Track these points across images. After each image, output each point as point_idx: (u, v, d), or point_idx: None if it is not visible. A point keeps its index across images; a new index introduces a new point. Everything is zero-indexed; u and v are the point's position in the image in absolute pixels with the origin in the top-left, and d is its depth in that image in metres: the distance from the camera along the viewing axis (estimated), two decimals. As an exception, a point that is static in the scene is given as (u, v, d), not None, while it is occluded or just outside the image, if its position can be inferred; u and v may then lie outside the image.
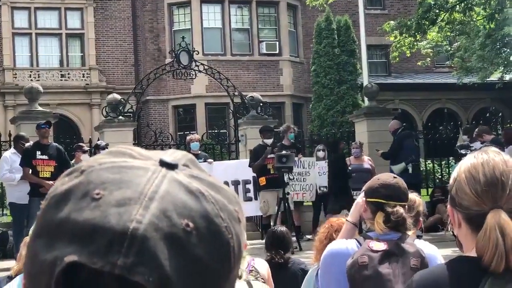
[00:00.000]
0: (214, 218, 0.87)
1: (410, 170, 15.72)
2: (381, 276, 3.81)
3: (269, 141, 15.40)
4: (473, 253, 2.25)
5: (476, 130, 15.97)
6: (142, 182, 0.87)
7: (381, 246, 3.93)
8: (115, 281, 0.81)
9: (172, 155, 0.92)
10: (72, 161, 14.07)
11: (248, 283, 3.75)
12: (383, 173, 4.77)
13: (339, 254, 4.03)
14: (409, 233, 4.14)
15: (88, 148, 14.60)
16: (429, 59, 26.66)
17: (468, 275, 2.23)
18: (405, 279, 3.72)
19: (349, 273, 3.87)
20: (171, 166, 0.90)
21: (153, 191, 0.85)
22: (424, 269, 3.72)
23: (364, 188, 4.25)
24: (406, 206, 4.17)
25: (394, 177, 4.25)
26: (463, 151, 13.94)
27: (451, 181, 2.36)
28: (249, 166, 15.34)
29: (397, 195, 4.09)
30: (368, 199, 4.14)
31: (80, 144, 14.58)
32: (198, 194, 0.88)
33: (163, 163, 0.89)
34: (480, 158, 2.31)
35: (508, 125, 22.08)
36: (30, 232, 0.92)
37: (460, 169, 2.33)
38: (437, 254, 4.03)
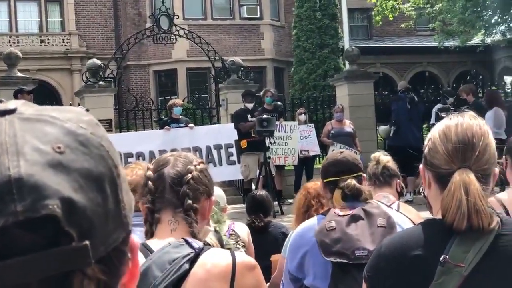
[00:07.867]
0: (76, 130, 0.90)
1: (391, 133, 15.79)
2: (350, 237, 3.84)
3: (250, 105, 15.44)
4: (440, 215, 2.26)
5: (463, 86, 16.09)
6: None
7: (346, 211, 3.98)
8: (25, 230, 0.82)
9: (5, 104, 0.93)
10: None
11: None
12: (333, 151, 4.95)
13: (307, 232, 4.08)
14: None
15: None
16: (412, 21, 26.59)
17: (436, 236, 2.23)
18: (373, 238, 3.77)
19: (318, 238, 3.89)
20: (12, 111, 0.91)
21: (10, 136, 0.87)
22: (391, 227, 3.80)
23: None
24: (363, 176, 4.24)
25: (341, 152, 4.32)
26: (443, 114, 13.97)
27: (425, 141, 2.38)
28: (235, 128, 15.28)
29: (348, 168, 4.12)
30: (324, 181, 4.21)
31: None
32: (50, 119, 0.90)
33: (2, 113, 0.90)
34: (455, 120, 2.34)
35: (489, 88, 22.11)
36: None
37: (435, 130, 2.35)
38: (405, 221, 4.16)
